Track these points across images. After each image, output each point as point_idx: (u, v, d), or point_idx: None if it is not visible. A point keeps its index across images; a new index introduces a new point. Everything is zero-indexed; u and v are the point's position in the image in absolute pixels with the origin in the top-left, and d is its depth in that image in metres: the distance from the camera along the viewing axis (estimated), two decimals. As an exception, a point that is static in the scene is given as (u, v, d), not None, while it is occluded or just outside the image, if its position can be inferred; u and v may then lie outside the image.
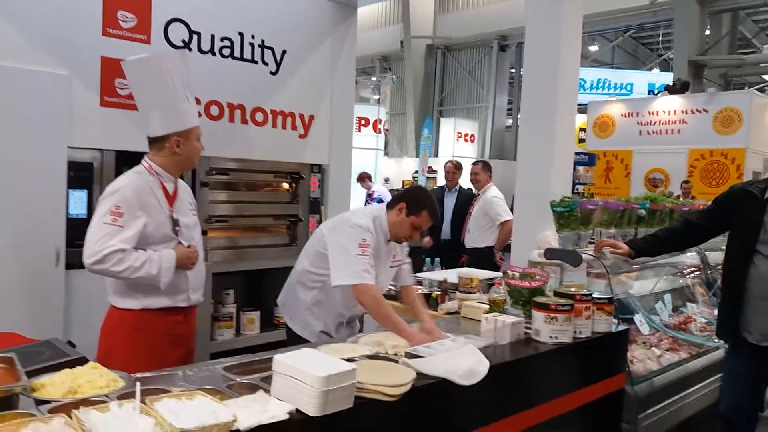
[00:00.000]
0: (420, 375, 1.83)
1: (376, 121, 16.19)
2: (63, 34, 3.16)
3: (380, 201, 11.08)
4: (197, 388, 1.57)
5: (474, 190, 6.05)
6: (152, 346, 2.49)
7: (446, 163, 6.45)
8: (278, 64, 4.10)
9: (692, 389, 3.20)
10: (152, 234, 2.45)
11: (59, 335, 2.93)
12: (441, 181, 15.98)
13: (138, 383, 1.40)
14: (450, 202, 6.10)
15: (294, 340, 2.79)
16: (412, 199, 2.78)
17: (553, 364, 2.38)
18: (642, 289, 3.70)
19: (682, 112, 10.51)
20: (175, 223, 2.53)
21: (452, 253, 5.84)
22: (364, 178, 10.89)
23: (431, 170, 16.95)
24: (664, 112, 10.74)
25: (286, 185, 4.29)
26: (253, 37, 3.94)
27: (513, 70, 21.02)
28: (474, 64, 20.79)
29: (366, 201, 10.55)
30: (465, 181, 6.46)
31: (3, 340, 2.15)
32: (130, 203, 2.39)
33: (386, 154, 20.68)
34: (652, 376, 2.99)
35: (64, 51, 3.17)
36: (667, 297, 3.84)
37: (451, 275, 3.72)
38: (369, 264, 2.58)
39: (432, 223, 2.82)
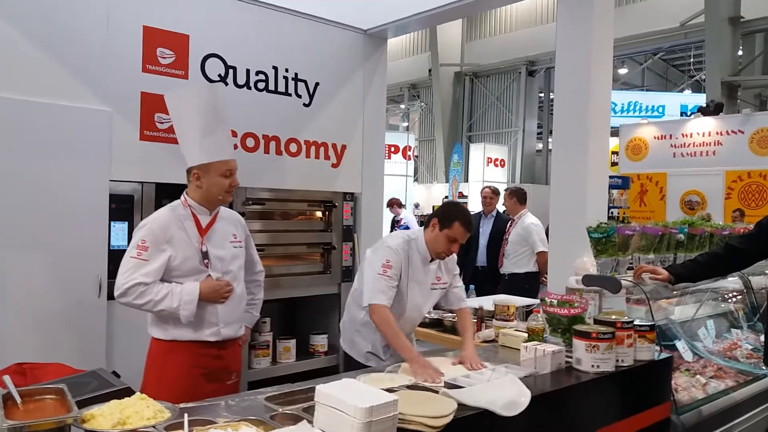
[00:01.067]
0: (461, 405, 1.81)
1: (405, 147, 16.30)
2: (105, 71, 3.28)
3: (407, 228, 11.13)
4: (241, 419, 1.58)
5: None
6: (182, 377, 2.50)
7: (483, 189, 6.43)
8: (311, 96, 4.18)
9: (740, 419, 3.09)
10: (179, 267, 2.50)
11: (102, 365, 2.98)
12: (472, 206, 15.96)
13: (186, 414, 1.42)
14: (486, 228, 6.07)
15: (345, 359, 2.96)
16: (442, 213, 2.83)
17: (596, 394, 2.33)
18: (683, 315, 3.61)
19: (717, 133, 10.34)
20: (205, 255, 2.55)
21: (488, 279, 5.79)
22: (393, 204, 10.95)
23: (462, 195, 16.93)
24: (698, 133, 10.58)
25: (319, 214, 4.34)
26: (286, 70, 4.04)
27: (542, 95, 21.01)
28: (502, 89, 20.84)
29: (392, 227, 10.58)
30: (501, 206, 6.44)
31: (51, 371, 2.19)
32: (157, 237, 2.46)
33: (416, 180, 20.76)
34: (699, 405, 2.90)
35: (106, 88, 3.28)
36: (710, 323, 3.73)
37: (487, 302, 3.69)
38: (387, 284, 2.65)
39: (468, 234, 2.80)
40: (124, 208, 3.36)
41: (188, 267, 2.52)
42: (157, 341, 2.56)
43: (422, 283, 2.86)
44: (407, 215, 11.67)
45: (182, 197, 2.62)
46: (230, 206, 3.65)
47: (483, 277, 5.86)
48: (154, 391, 2.32)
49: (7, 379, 1.65)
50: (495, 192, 6.29)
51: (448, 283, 2.99)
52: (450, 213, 2.80)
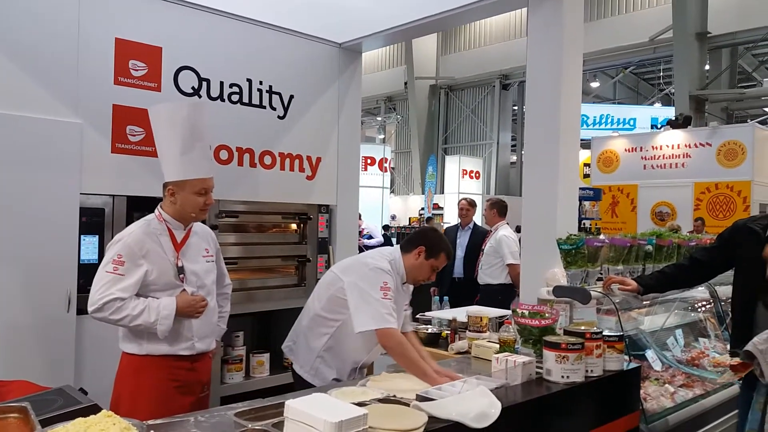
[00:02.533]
0: (432, 418, 1.82)
1: (381, 159, 16.37)
2: (76, 83, 3.25)
3: (369, 237, 11.14)
4: (210, 435, 1.57)
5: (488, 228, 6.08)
6: (157, 392, 2.48)
7: (460, 201, 6.46)
8: (286, 109, 4.19)
9: (709, 426, 3.15)
10: (155, 281, 2.48)
11: (70, 381, 2.93)
12: (448, 217, 16.03)
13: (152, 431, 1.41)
14: (463, 239, 6.10)
15: (303, 387, 2.73)
16: (429, 242, 2.79)
17: (566, 404, 2.36)
18: (653, 325, 3.67)
19: (686, 146, 10.59)
20: (180, 270, 2.55)
21: (464, 290, 5.82)
22: None
23: (437, 206, 17.02)
24: (667, 146, 10.82)
25: (294, 226, 4.33)
26: (261, 83, 4.04)
27: (515, 108, 21.31)
28: (477, 102, 21.09)
29: None
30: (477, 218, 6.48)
31: (15, 388, 2.15)
32: (132, 251, 2.44)
33: (392, 191, 20.83)
34: (667, 414, 2.95)
35: (77, 100, 3.25)
36: (679, 332, 3.80)
37: (461, 314, 3.71)
38: (391, 307, 2.56)
39: (446, 263, 2.84)
40: (94, 221, 3.32)
41: (164, 282, 2.51)
42: (129, 356, 2.53)
43: (399, 305, 2.79)
44: (369, 225, 11.71)
45: (157, 211, 2.60)
46: (204, 219, 3.66)
47: (460, 288, 5.88)
48: (128, 407, 2.32)
49: (-31, 397, 1.62)
50: (471, 204, 6.34)
51: (406, 304, 2.94)
52: (437, 244, 2.80)
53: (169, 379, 2.52)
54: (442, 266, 2.84)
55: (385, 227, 15.04)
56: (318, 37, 4.35)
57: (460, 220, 6.28)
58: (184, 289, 2.54)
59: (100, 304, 2.37)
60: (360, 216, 11.25)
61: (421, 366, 2.43)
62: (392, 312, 2.55)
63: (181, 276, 2.54)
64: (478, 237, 6.02)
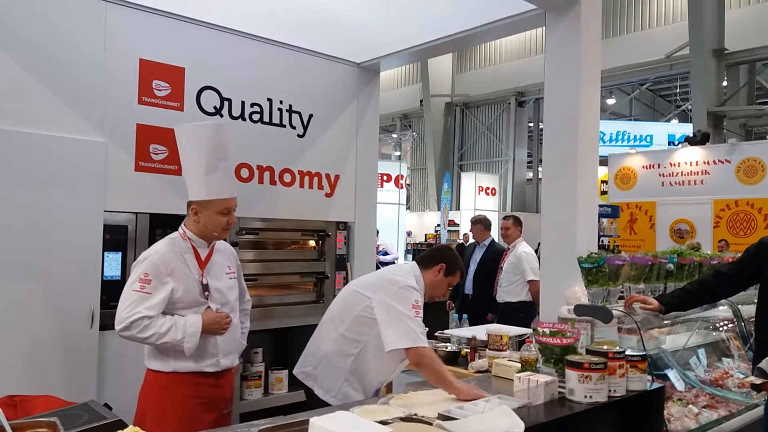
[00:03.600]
0: (455, 437, 1.81)
1: (398, 176, 16.40)
2: (100, 102, 3.31)
3: (385, 254, 11.13)
4: (235, 452, 1.58)
5: (505, 245, 6.05)
6: (182, 408, 2.50)
7: (475, 217, 6.44)
8: (305, 127, 4.24)
9: (733, 448, 3.10)
10: (181, 299, 2.52)
11: (93, 397, 2.96)
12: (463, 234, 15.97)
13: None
14: (477, 255, 6.10)
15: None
16: (449, 260, 2.86)
17: (589, 425, 2.33)
18: (675, 344, 3.62)
19: (704, 162, 10.50)
20: (205, 287, 2.58)
21: (476, 308, 5.80)
22: None
23: (452, 223, 17.00)
24: (686, 163, 10.74)
25: (312, 243, 4.36)
26: (281, 102, 4.10)
27: (531, 124, 21.29)
28: (492, 119, 21.12)
29: None
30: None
31: (41, 403, 2.17)
32: (159, 270, 2.48)
33: (408, 208, 20.85)
34: (691, 436, 2.90)
35: (101, 119, 3.31)
36: (701, 352, 3.75)
37: (480, 332, 3.70)
38: (422, 325, 2.59)
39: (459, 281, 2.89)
40: (118, 238, 3.36)
41: (190, 299, 2.54)
42: (155, 373, 2.55)
43: None
44: (385, 241, 11.70)
45: (180, 229, 2.64)
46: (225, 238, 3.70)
47: (471, 305, 5.86)
48: (154, 424, 2.35)
49: (-1, 412, 1.64)
50: (487, 226, 6.30)
51: None
52: (455, 262, 2.89)
53: (195, 396, 2.54)
54: (455, 283, 2.93)
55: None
56: (337, 57, 4.41)
57: (475, 239, 6.25)
58: (209, 307, 2.56)
59: (127, 323, 2.39)
60: (377, 232, 11.30)
61: (451, 380, 2.45)
62: (423, 330, 2.59)
63: (206, 293, 2.57)
64: (492, 254, 6.01)
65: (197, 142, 2.64)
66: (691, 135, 11.66)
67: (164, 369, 2.52)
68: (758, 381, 2.50)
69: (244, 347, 2.98)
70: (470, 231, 6.20)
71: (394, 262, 10.28)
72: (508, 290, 5.69)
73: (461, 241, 14.08)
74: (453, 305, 5.89)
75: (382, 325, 2.59)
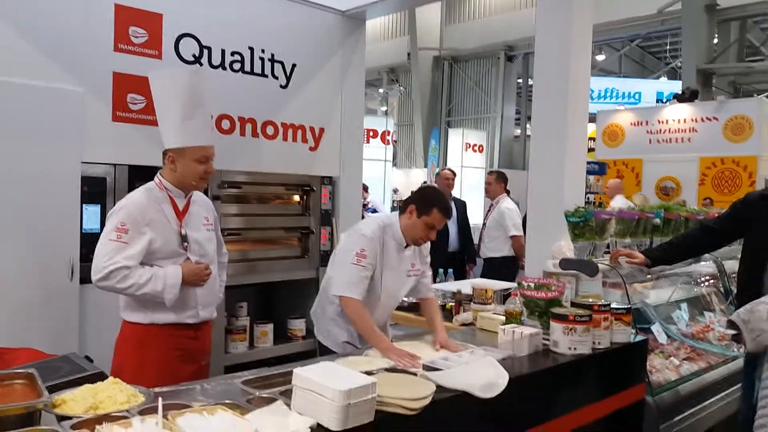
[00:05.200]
0: (439, 388, 1.81)
1: (384, 132, 16.22)
2: (75, 50, 3.19)
3: (374, 211, 11.13)
4: (217, 403, 1.56)
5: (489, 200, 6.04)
6: (161, 360, 2.48)
7: (443, 170, 6.35)
8: (288, 78, 4.12)
9: (713, 399, 3.16)
10: (159, 249, 2.45)
11: (74, 349, 2.92)
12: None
13: (160, 398, 1.39)
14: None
15: (321, 350, 2.87)
16: (420, 199, 2.74)
17: (573, 376, 2.35)
18: (658, 299, 3.66)
19: (692, 120, 10.46)
20: (184, 238, 2.52)
21: (460, 263, 5.81)
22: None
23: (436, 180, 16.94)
24: (673, 120, 10.69)
25: (297, 198, 4.30)
26: (263, 51, 3.97)
27: (520, 81, 21.06)
28: (481, 74, 20.84)
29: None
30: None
31: (21, 356, 2.14)
32: (136, 219, 2.40)
33: (395, 164, 20.72)
34: (672, 386, 2.95)
35: (77, 67, 3.20)
36: (684, 306, 3.80)
37: (465, 286, 3.70)
38: (360, 275, 2.59)
39: (447, 220, 2.76)
40: (96, 190, 3.29)
41: (168, 250, 2.48)
42: (132, 325, 2.51)
43: (396, 269, 2.78)
44: (374, 199, 11.66)
45: (156, 179, 2.56)
46: (206, 190, 3.62)
47: (455, 260, 5.85)
48: (132, 375, 2.29)
49: (-26, 364, 1.61)
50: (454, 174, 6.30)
51: (422, 271, 2.92)
52: (428, 199, 2.74)
53: (174, 347, 2.51)
54: (439, 224, 2.73)
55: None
56: (321, 4, 4.26)
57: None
58: (188, 258, 2.51)
59: (105, 273, 2.33)
60: (367, 188, 11.22)
61: (375, 335, 2.46)
62: (358, 281, 2.59)
63: (185, 244, 2.52)
64: (460, 209, 6.00)
65: (173, 88, 2.54)
66: (680, 92, 11.59)
67: (142, 321, 2.48)
68: (731, 332, 2.53)
69: (221, 300, 2.97)
70: (486, 187, 6.10)
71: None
72: (491, 246, 5.71)
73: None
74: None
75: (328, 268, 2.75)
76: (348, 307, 2.57)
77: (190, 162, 2.51)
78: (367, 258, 2.62)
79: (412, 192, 2.97)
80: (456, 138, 17.84)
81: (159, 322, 2.48)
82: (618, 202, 5.71)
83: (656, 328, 3.34)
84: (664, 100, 14.99)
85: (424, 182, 17.42)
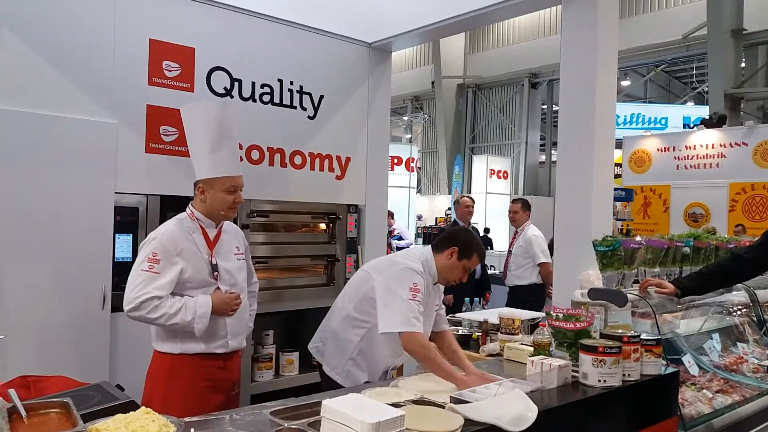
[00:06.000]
0: (468, 421, 1.80)
1: (408, 159, 16.33)
2: (111, 84, 3.30)
3: (399, 238, 11.15)
4: (246, 434, 1.57)
5: (514, 228, 6.02)
6: (190, 390, 2.50)
7: (463, 198, 6.35)
8: (316, 109, 4.20)
9: (748, 434, 3.07)
10: (190, 279, 2.50)
11: (105, 378, 2.97)
12: (476, 217, 15.92)
13: (192, 429, 1.41)
14: None
15: (332, 388, 2.71)
16: (462, 243, 2.76)
17: (603, 409, 2.31)
18: (689, 329, 3.58)
19: (721, 145, 10.34)
20: (214, 268, 2.56)
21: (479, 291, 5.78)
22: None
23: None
24: (701, 146, 10.58)
25: (323, 226, 4.34)
26: (291, 83, 4.06)
27: (545, 107, 21.05)
28: (505, 101, 20.90)
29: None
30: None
31: (54, 384, 2.18)
32: (167, 250, 2.45)
33: (419, 191, 20.78)
34: (705, 420, 2.87)
35: (112, 100, 3.30)
36: (716, 336, 3.70)
37: (492, 316, 3.68)
38: (418, 310, 2.53)
39: (478, 264, 2.81)
40: (129, 220, 3.37)
41: (199, 279, 2.52)
42: (162, 355, 2.55)
43: (430, 306, 2.77)
44: (400, 226, 11.66)
45: (188, 210, 2.63)
46: (235, 219, 3.69)
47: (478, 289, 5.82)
48: (162, 405, 2.32)
49: (12, 392, 1.65)
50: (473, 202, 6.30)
51: (439, 305, 2.93)
52: (471, 244, 2.77)
53: (203, 378, 2.53)
54: (474, 267, 2.81)
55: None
56: (348, 36, 4.35)
57: (463, 219, 6.11)
58: (218, 287, 2.55)
59: (137, 303, 2.38)
60: (392, 215, 11.23)
61: (446, 368, 2.40)
62: (419, 315, 2.52)
63: (216, 274, 2.56)
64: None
65: (202, 121, 2.63)
66: (707, 117, 11.47)
67: (172, 351, 2.52)
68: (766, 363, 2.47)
69: (251, 329, 2.99)
70: (510, 216, 6.08)
71: (408, 247, 10.26)
72: (518, 274, 5.67)
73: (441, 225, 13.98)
74: (452, 300, 5.80)
75: (378, 307, 2.58)
76: (412, 342, 2.47)
77: (219, 192, 2.57)
78: (420, 293, 2.58)
79: (447, 231, 2.99)
80: (480, 165, 17.87)
81: (189, 352, 2.51)
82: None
83: (687, 360, 3.27)
84: (691, 125, 14.84)
85: (448, 209, 17.42)
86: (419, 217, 18.11)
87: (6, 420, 1.53)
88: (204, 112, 2.65)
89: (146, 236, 2.66)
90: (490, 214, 16.38)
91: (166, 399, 2.45)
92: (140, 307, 2.38)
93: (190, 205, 2.65)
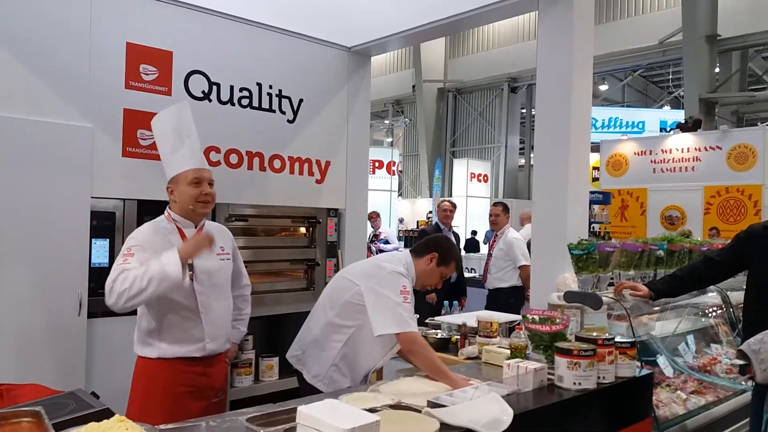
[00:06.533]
0: (443, 425, 1.81)
1: (389, 163, 16.37)
2: (87, 87, 3.26)
3: (386, 242, 11.16)
4: (222, 441, 1.57)
5: (493, 231, 6.07)
6: (168, 396, 2.49)
7: (443, 203, 6.39)
8: (295, 113, 4.20)
9: (721, 434, 3.12)
10: None
11: (81, 385, 2.94)
12: (457, 221, 16.01)
13: (165, 437, 1.40)
14: None
15: (305, 389, 2.75)
16: (442, 250, 2.84)
17: (578, 412, 2.34)
18: (664, 331, 3.64)
19: (696, 149, 10.52)
20: (189, 267, 2.51)
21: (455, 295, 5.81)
22: (372, 217, 10.86)
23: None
24: (677, 149, 10.75)
25: (303, 230, 4.33)
26: (270, 87, 4.05)
27: (524, 111, 21.27)
28: (485, 105, 21.07)
29: (371, 240, 10.44)
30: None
31: (27, 392, 2.15)
32: (143, 247, 2.45)
33: (400, 195, 20.83)
34: (680, 421, 2.92)
35: (88, 104, 3.27)
36: (690, 338, 3.77)
37: (471, 319, 3.70)
38: (411, 311, 2.59)
39: (453, 273, 2.87)
40: (105, 225, 3.33)
41: None
42: (142, 360, 2.55)
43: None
44: (386, 230, 11.62)
45: (165, 212, 2.65)
46: (213, 219, 3.67)
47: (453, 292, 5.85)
48: (140, 410, 2.34)
49: (-18, 401, 1.62)
50: (455, 206, 6.34)
51: None
52: (450, 252, 2.87)
53: (181, 384, 2.52)
54: (450, 274, 2.92)
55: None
56: (328, 41, 4.36)
57: (443, 221, 6.15)
58: (195, 286, 2.56)
59: (110, 285, 2.31)
60: (379, 215, 11.17)
61: (443, 369, 2.44)
62: (413, 316, 2.59)
63: (191, 273, 2.53)
64: (456, 240, 6.05)
65: (162, 125, 2.70)
66: (683, 121, 11.67)
67: (150, 355, 2.51)
68: (740, 362, 2.53)
69: (243, 334, 3.00)
70: (492, 219, 6.13)
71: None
72: (498, 276, 5.72)
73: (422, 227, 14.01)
74: (436, 299, 5.83)
75: (370, 311, 2.60)
76: (413, 341, 2.52)
77: (184, 186, 2.59)
78: (410, 294, 2.64)
79: (425, 235, 3.04)
80: (461, 168, 17.98)
81: (166, 356, 2.50)
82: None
83: (662, 361, 3.32)
84: (668, 129, 15.08)
85: (429, 212, 17.48)
86: (401, 221, 18.14)
87: (-24, 429, 1.51)
88: (162, 117, 2.73)
89: (123, 241, 2.62)
90: (471, 217, 16.46)
91: (145, 404, 2.44)
92: (113, 288, 2.30)
93: (167, 209, 2.66)
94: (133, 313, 3.10)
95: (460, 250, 6.10)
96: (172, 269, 2.31)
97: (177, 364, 2.52)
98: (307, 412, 1.56)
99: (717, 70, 14.32)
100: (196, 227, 2.65)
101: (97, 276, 3.22)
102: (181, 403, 2.49)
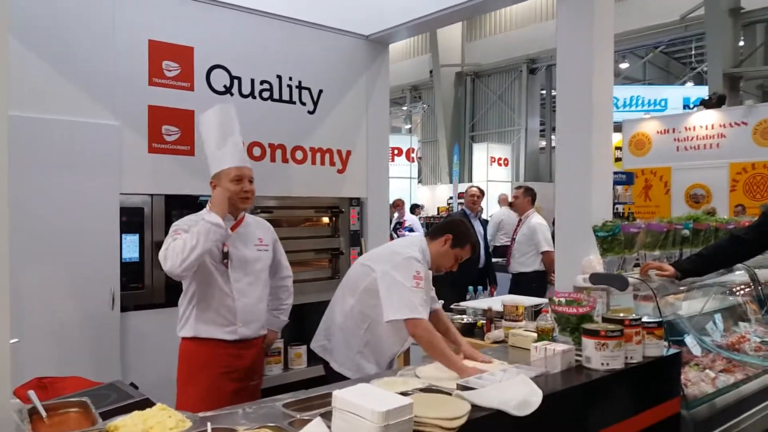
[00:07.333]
0: (474, 407, 1.84)
1: (408, 150, 16.34)
2: (112, 85, 3.33)
3: (411, 230, 11.17)
4: (260, 426, 1.62)
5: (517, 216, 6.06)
6: (204, 375, 2.63)
7: (470, 188, 6.35)
8: (315, 104, 4.23)
9: (750, 411, 3.11)
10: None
11: (117, 376, 3.03)
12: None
13: (209, 423, 1.46)
14: (478, 228, 6.06)
15: (333, 377, 2.81)
16: (457, 231, 2.84)
17: (606, 392, 2.36)
18: (691, 310, 3.62)
19: (720, 125, 10.34)
20: (225, 255, 2.67)
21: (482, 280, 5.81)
22: (398, 205, 10.84)
23: (462, 195, 16.94)
24: (701, 126, 10.58)
25: (326, 219, 4.38)
26: (290, 79, 4.08)
27: (543, 92, 21.01)
28: (504, 88, 20.87)
29: (395, 228, 10.43)
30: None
31: (69, 385, 2.23)
32: (185, 229, 2.60)
33: (420, 181, 20.78)
34: (708, 399, 2.92)
35: (114, 102, 3.33)
36: (718, 317, 3.74)
37: (496, 303, 3.72)
38: (422, 297, 2.60)
39: (470, 257, 2.87)
40: (135, 220, 3.41)
41: (210, 262, 2.64)
42: (184, 340, 2.70)
43: (428, 292, 2.81)
44: (411, 218, 11.57)
45: (207, 205, 2.74)
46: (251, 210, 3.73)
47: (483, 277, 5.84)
48: (181, 388, 2.57)
49: (31, 393, 1.70)
50: (482, 192, 6.29)
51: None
52: (466, 234, 2.87)
53: (217, 363, 2.65)
54: (465, 258, 2.88)
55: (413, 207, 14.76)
56: (345, 30, 4.37)
57: (470, 208, 6.10)
58: (229, 274, 2.69)
59: (163, 254, 2.50)
60: (403, 203, 11.13)
61: (449, 356, 2.45)
62: (423, 302, 2.60)
63: (225, 261, 2.67)
64: (484, 226, 6.05)
65: (207, 124, 2.82)
66: (707, 98, 11.46)
67: (187, 334, 2.67)
68: None
69: (285, 323, 3.12)
70: (513, 202, 6.13)
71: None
72: (522, 261, 5.71)
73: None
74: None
75: (382, 296, 2.63)
76: (419, 327, 2.52)
77: (227, 182, 2.71)
78: (423, 280, 2.65)
79: (443, 219, 3.05)
80: (481, 153, 17.87)
81: (201, 335, 2.64)
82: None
83: (690, 341, 3.31)
84: (691, 105, 14.82)
85: (450, 198, 17.44)
86: (421, 207, 18.12)
87: (27, 420, 1.58)
88: (208, 117, 2.84)
89: (152, 236, 2.78)
90: (491, 201, 16.40)
91: (185, 382, 2.63)
92: (167, 255, 2.48)
93: (209, 202, 2.75)
94: (166, 304, 3.19)
95: (485, 237, 6.06)
96: (213, 219, 2.53)
97: (213, 344, 2.66)
98: (342, 396, 1.60)
99: (741, 43, 14.00)
100: (235, 219, 2.76)
101: (129, 270, 3.32)
102: (216, 382, 2.62)
